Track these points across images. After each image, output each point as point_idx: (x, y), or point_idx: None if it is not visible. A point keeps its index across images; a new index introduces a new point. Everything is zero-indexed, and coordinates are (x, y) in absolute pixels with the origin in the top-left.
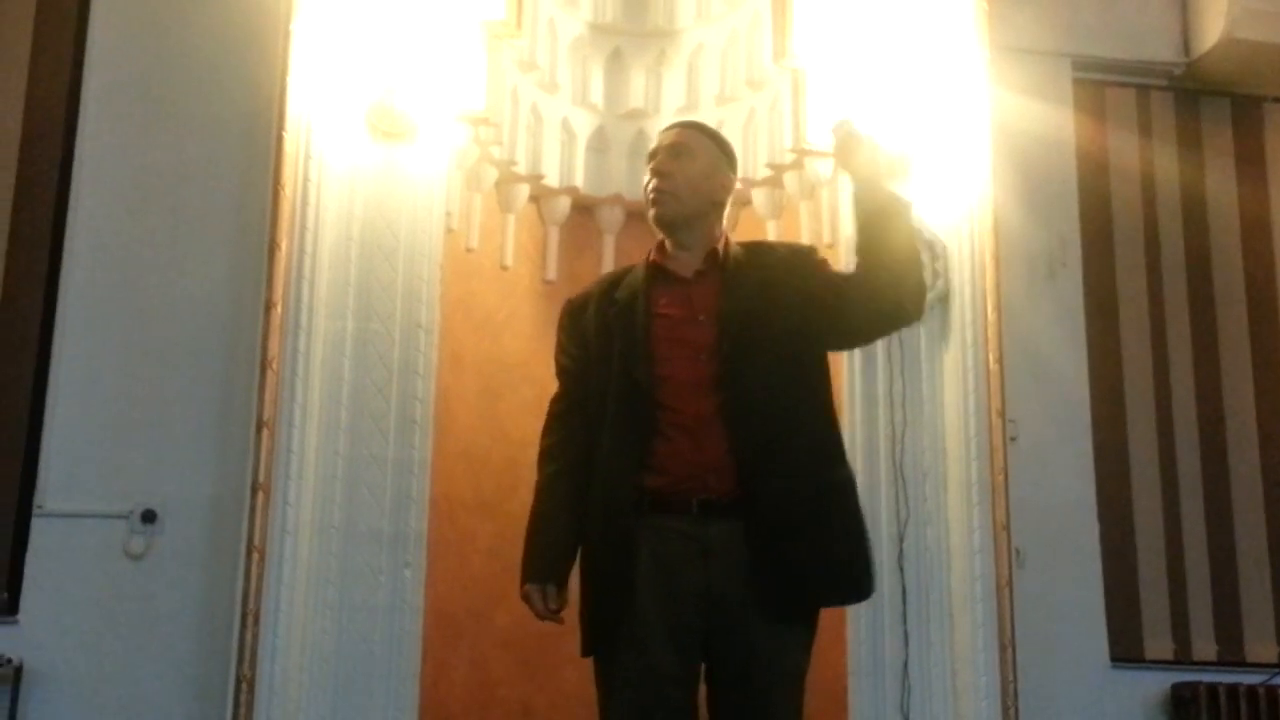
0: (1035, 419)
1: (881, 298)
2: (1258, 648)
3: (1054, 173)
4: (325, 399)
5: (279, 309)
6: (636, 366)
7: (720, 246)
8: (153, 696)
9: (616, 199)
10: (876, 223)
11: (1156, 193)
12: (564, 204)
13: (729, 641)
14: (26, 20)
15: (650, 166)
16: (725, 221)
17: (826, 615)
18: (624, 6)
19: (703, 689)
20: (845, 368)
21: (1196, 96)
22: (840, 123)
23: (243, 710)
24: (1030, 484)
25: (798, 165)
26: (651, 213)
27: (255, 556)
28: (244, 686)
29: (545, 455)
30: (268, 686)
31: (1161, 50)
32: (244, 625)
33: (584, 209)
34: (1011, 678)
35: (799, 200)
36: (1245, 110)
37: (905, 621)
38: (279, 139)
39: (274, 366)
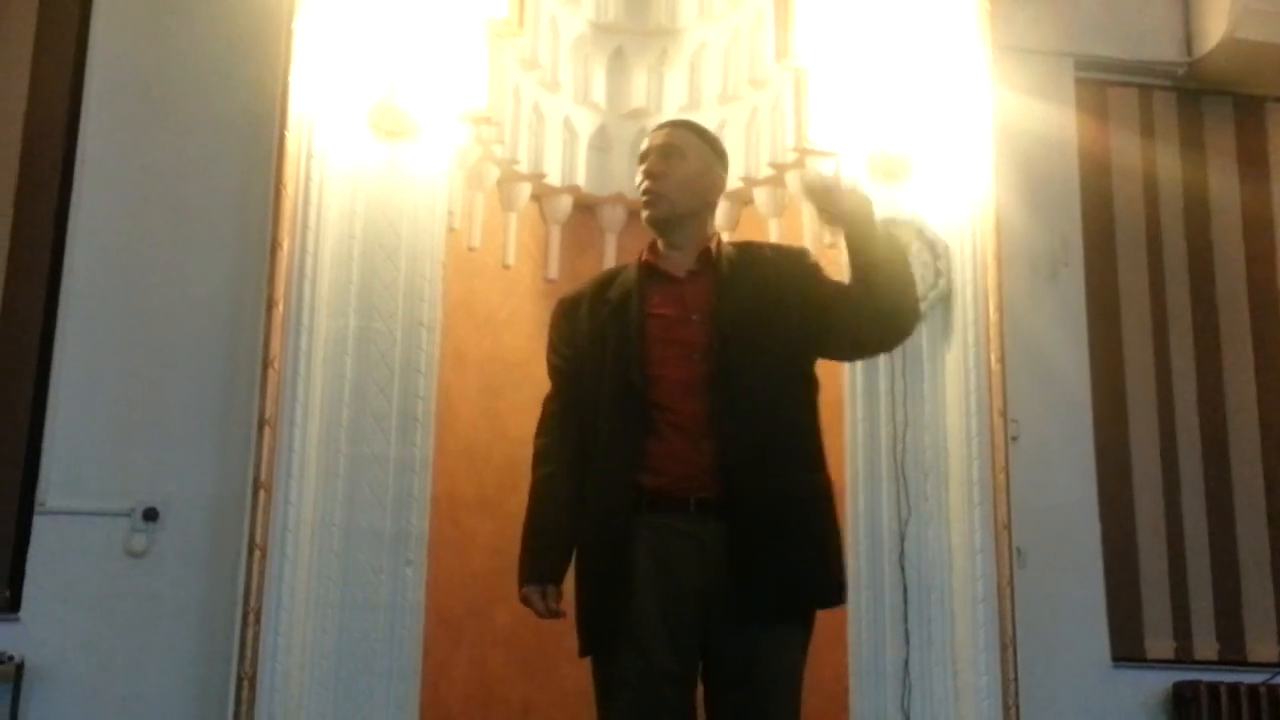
0: (1037, 418)
1: (874, 328)
2: (1259, 647)
3: (1056, 172)
4: (327, 397)
5: (281, 307)
6: (630, 367)
7: (713, 246)
8: (154, 694)
9: (618, 198)
10: (874, 269)
11: (1158, 192)
12: (566, 203)
13: (727, 641)
14: (28, 20)
15: (642, 168)
16: (728, 220)
17: (827, 615)
18: (626, 5)
19: (700, 689)
20: (847, 366)
21: (1199, 96)
22: (807, 182)
23: (244, 708)
24: (1032, 483)
25: (800, 164)
26: (644, 214)
27: (257, 555)
28: (245, 684)
29: (540, 456)
30: (269, 684)
31: (1164, 50)
32: (245, 623)
33: (586, 208)
34: (1013, 677)
35: (801, 199)
36: (1247, 110)
37: (906, 621)
38: (281, 138)
39: (276, 365)
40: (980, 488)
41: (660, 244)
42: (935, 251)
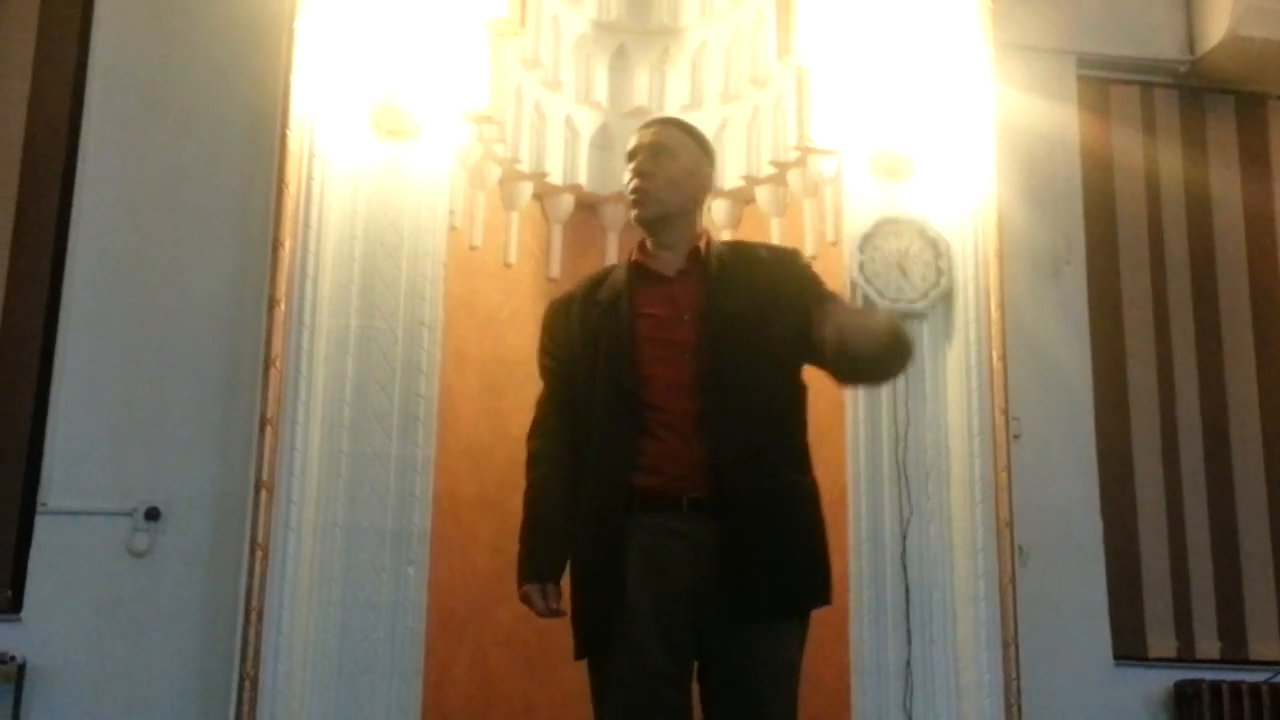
0: (1038, 417)
1: (860, 379)
2: (1261, 645)
3: (1058, 170)
4: (328, 396)
5: (282, 306)
6: (622, 367)
7: (702, 244)
8: (156, 694)
9: (620, 197)
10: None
11: (1161, 190)
12: (567, 202)
13: (722, 640)
14: (30, 20)
15: (631, 166)
16: (729, 219)
17: (829, 613)
18: (628, 4)
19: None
20: None
21: (1201, 94)
22: (836, 329)
23: (246, 707)
24: (1033, 482)
25: (801, 163)
26: (633, 213)
27: (259, 554)
28: (247, 684)
29: (534, 457)
30: (271, 684)
31: (1166, 48)
32: (247, 623)
33: (587, 207)
34: (1014, 675)
35: (803, 198)
36: (1250, 108)
37: (908, 619)
38: (283, 137)
39: (277, 364)
40: (982, 486)
41: (650, 243)
42: (937, 250)
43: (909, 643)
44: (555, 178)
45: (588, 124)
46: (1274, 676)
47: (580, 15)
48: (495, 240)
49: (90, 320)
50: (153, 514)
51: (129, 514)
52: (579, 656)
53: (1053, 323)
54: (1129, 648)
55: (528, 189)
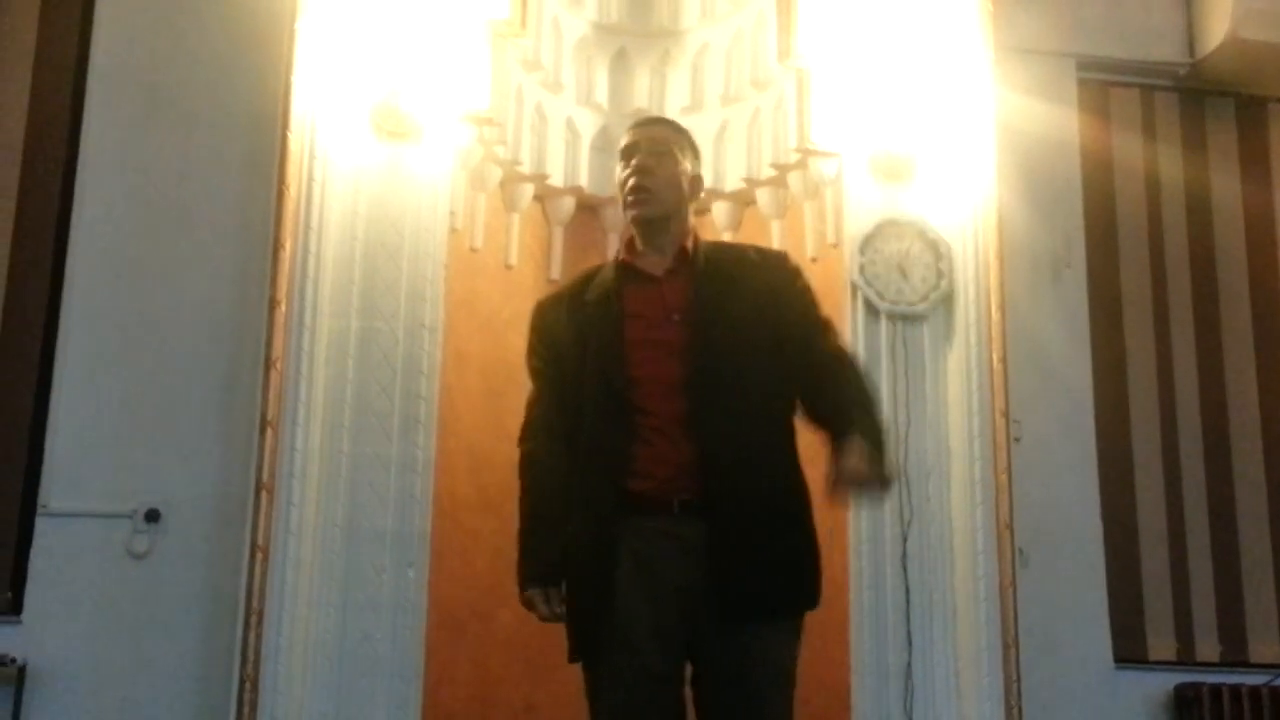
0: (1039, 418)
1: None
2: (1261, 648)
3: (1058, 173)
4: (329, 398)
5: (283, 308)
6: (611, 369)
7: (690, 244)
8: (156, 695)
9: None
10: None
11: (1161, 193)
12: (568, 204)
13: (716, 642)
14: (31, 18)
15: (634, 164)
16: (730, 220)
17: (830, 615)
18: (629, 6)
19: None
20: None
21: (1201, 97)
22: (838, 472)
23: (246, 709)
24: (1034, 484)
25: (802, 165)
26: (633, 212)
27: (259, 556)
28: (247, 685)
29: (528, 459)
30: (271, 686)
31: (1166, 50)
32: (247, 624)
33: (588, 208)
34: (1015, 678)
35: (803, 200)
36: (1250, 110)
37: (908, 621)
38: (284, 138)
39: (278, 365)
40: (982, 488)
41: (640, 243)
42: (937, 252)
43: (909, 644)
44: (556, 179)
45: (588, 126)
46: (1274, 679)
47: (581, 17)
48: (496, 242)
49: (90, 322)
50: (153, 516)
51: (129, 516)
52: (573, 658)
53: (1053, 325)
54: (1129, 650)
55: (528, 191)
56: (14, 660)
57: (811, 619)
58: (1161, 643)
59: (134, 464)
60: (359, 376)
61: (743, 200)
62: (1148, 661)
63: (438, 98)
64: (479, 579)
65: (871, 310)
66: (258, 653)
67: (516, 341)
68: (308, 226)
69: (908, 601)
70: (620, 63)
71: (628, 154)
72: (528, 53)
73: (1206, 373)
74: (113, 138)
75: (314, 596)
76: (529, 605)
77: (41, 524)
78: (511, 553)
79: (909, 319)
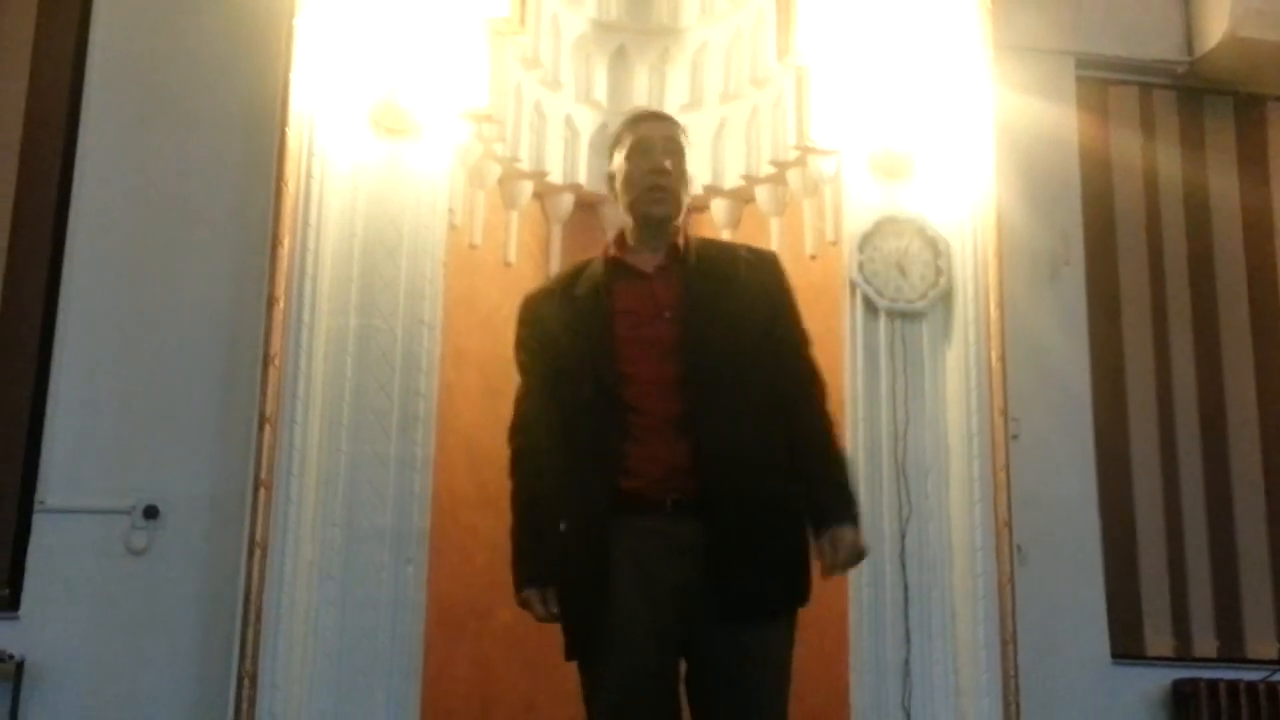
0: (1037, 416)
1: None
2: (1258, 644)
3: (1057, 171)
4: (328, 395)
5: (281, 305)
6: (602, 367)
7: (681, 241)
8: (155, 692)
9: None
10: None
11: (1159, 191)
12: (567, 201)
13: (712, 641)
14: (29, 15)
15: (662, 163)
16: (729, 219)
17: (828, 612)
18: (628, 4)
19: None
20: (847, 364)
21: (1199, 95)
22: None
23: (244, 706)
24: (1032, 481)
25: (801, 162)
26: (655, 210)
27: (257, 553)
28: (246, 682)
29: (520, 455)
30: (270, 682)
31: (1164, 49)
32: (246, 621)
33: (587, 206)
34: (1013, 674)
35: (802, 197)
36: (1248, 109)
37: (907, 618)
38: (282, 135)
39: (276, 362)
40: (981, 485)
41: (633, 238)
42: (936, 249)
43: (908, 641)
44: (555, 177)
45: (587, 123)
46: (1271, 675)
47: (580, 15)
48: (495, 239)
49: (89, 318)
50: (151, 512)
51: (127, 512)
52: (569, 657)
53: (1051, 322)
54: (1127, 646)
55: (527, 188)
56: (12, 656)
57: (810, 616)
58: (1159, 639)
59: (132, 461)
60: (358, 373)
61: (742, 198)
62: (1146, 658)
63: (436, 95)
64: (478, 576)
65: (870, 308)
66: (256, 649)
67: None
68: (306, 223)
69: (906, 599)
70: (619, 60)
71: (644, 150)
72: (527, 50)
73: (1204, 370)
74: (110, 135)
75: (313, 594)
76: (525, 605)
77: (39, 520)
78: (510, 550)
79: (908, 317)
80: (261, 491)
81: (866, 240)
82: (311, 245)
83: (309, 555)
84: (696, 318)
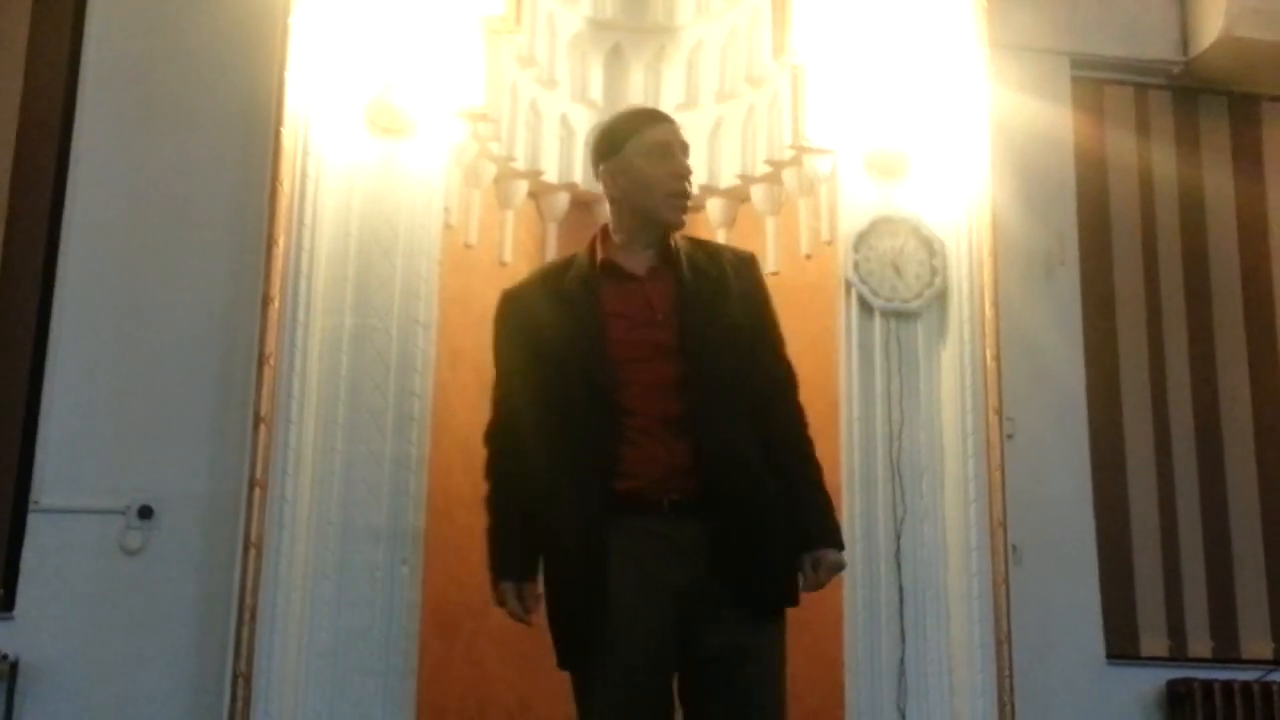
0: (1032, 416)
1: None
2: (1253, 645)
3: (1052, 170)
4: (323, 395)
5: (276, 304)
6: (595, 370)
7: (672, 243)
8: (149, 692)
9: None
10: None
11: (1154, 190)
12: (563, 200)
13: (710, 642)
14: (24, 14)
15: (687, 167)
16: (724, 217)
17: (823, 612)
18: (623, 2)
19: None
20: (842, 364)
21: (1195, 95)
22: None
23: (240, 706)
24: (1027, 481)
25: (797, 162)
26: (678, 218)
27: (252, 553)
28: (241, 682)
29: (501, 457)
30: (265, 682)
31: (1160, 48)
32: (241, 621)
33: (583, 205)
34: (1007, 674)
35: (798, 197)
36: (1243, 108)
37: (902, 618)
38: (277, 134)
39: (271, 362)
40: (975, 485)
41: (618, 237)
42: (931, 249)
43: (902, 641)
44: (550, 176)
45: (583, 122)
46: (1266, 675)
47: (576, 13)
48: (490, 238)
49: (83, 317)
50: (146, 512)
51: (122, 511)
52: (562, 665)
53: (1046, 322)
54: (1121, 646)
55: (523, 187)
56: (6, 657)
57: (805, 616)
58: (1154, 639)
59: (127, 460)
60: (353, 373)
61: (737, 197)
62: (1140, 658)
63: (432, 94)
64: (473, 576)
65: (865, 307)
66: (251, 649)
67: None
68: (301, 223)
69: (901, 598)
70: (615, 59)
71: (664, 153)
72: (522, 49)
73: (1199, 369)
74: (105, 134)
75: (308, 593)
76: (500, 601)
77: (34, 520)
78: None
79: (903, 316)
80: (256, 491)
81: (862, 240)
82: (306, 244)
83: (304, 555)
84: (693, 320)
